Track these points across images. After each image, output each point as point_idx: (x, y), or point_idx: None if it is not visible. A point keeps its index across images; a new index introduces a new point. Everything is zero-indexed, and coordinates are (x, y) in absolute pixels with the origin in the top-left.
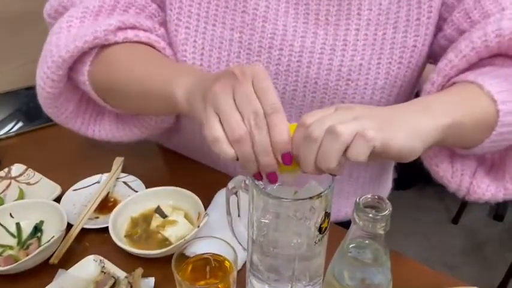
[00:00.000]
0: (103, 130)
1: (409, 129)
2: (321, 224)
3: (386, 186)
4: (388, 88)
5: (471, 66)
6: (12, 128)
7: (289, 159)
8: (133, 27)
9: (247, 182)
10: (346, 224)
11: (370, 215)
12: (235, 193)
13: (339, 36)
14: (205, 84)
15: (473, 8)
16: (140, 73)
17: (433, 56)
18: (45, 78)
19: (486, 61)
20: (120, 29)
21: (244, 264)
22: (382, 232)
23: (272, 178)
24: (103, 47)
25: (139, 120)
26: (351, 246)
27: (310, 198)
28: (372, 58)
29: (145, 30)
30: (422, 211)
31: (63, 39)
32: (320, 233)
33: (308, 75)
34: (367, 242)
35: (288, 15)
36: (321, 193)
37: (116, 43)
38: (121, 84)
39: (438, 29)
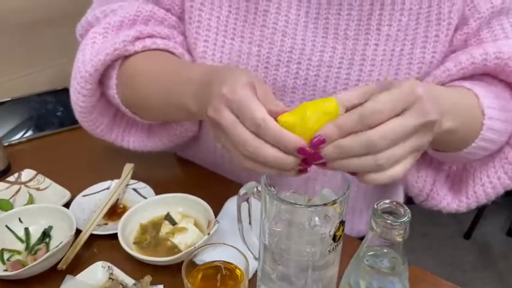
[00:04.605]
0: (136, 141)
1: None
2: (335, 232)
3: (398, 198)
4: None
5: (464, 79)
6: (24, 134)
7: (306, 152)
8: (151, 36)
9: (259, 188)
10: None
11: (389, 221)
12: (247, 200)
13: (357, 51)
14: (207, 96)
15: (480, 30)
16: (158, 86)
17: None
18: (77, 94)
19: (477, 77)
20: (138, 38)
21: (254, 274)
22: (400, 240)
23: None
24: (125, 58)
25: (166, 130)
26: (367, 254)
27: (325, 204)
28: (389, 74)
29: (163, 38)
30: (433, 225)
31: (88, 55)
32: (334, 242)
33: (325, 89)
34: (384, 250)
35: (307, 29)
36: (336, 200)
37: (136, 52)
38: (143, 97)
39: None
